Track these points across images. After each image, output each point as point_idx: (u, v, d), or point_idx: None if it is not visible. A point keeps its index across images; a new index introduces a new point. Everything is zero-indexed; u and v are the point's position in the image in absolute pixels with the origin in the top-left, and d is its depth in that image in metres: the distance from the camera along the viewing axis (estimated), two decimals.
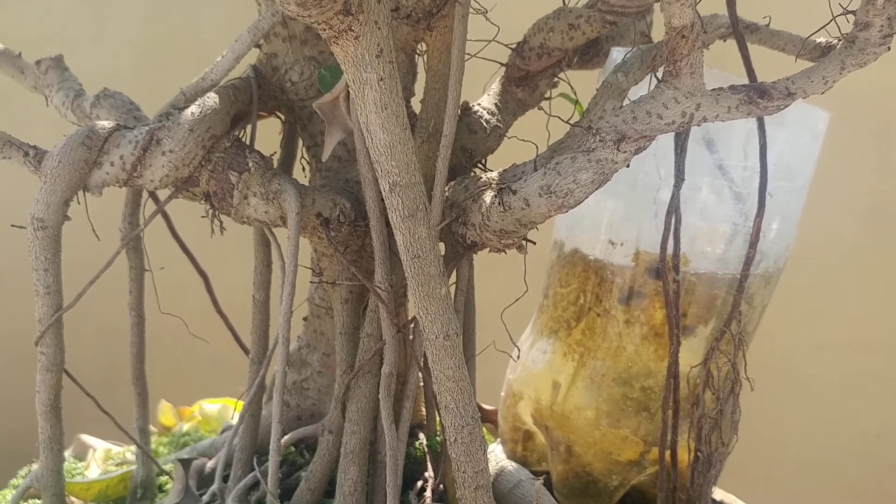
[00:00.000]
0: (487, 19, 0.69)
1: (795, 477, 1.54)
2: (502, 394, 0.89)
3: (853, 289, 1.47)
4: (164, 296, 0.79)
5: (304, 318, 0.83)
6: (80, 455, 0.98)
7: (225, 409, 0.97)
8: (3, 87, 0.91)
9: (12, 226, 0.68)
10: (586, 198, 0.60)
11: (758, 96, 0.58)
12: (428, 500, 0.71)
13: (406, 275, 0.57)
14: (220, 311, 0.85)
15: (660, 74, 0.59)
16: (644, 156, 0.75)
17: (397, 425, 0.71)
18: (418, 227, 0.55)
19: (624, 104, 0.67)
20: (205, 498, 0.75)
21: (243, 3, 0.83)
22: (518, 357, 0.84)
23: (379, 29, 0.53)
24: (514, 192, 0.62)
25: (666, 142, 0.72)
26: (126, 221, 0.75)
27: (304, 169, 0.77)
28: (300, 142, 0.79)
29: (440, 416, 0.61)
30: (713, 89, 0.58)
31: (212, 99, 0.68)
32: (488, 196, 0.65)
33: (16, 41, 0.86)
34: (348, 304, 0.74)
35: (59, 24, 1.39)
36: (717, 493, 0.92)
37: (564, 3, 0.72)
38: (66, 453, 0.99)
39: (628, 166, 0.60)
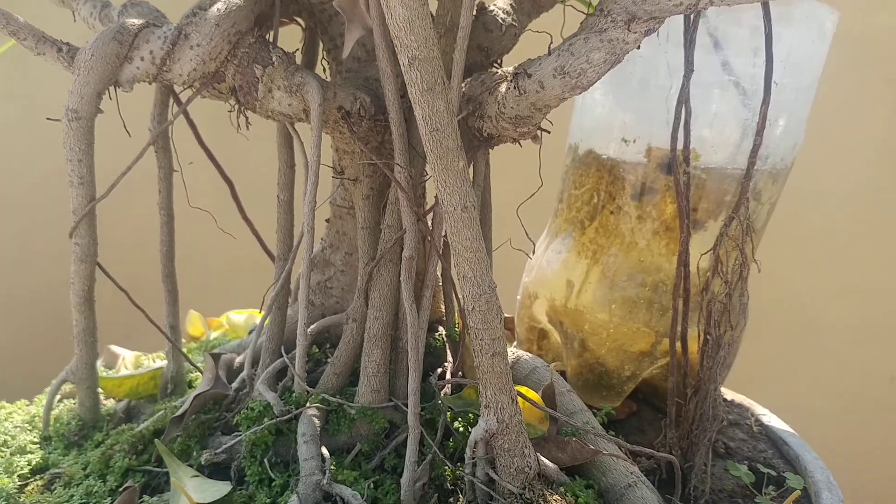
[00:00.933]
0: None
1: (810, 423, 1.56)
2: (518, 298, 0.92)
3: (865, 235, 1.48)
4: (192, 200, 0.82)
5: (327, 220, 0.85)
6: (110, 364, 1.02)
7: (251, 319, 1.01)
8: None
9: (48, 119, 0.71)
10: (598, 78, 0.62)
11: None
12: (449, 379, 0.74)
13: (425, 148, 0.59)
14: (245, 218, 0.88)
15: None
16: (655, 59, 0.78)
17: (419, 311, 0.75)
18: (437, 101, 0.58)
19: None
20: (234, 384, 0.78)
21: None
22: (532, 252, 0.86)
23: None
24: (529, 76, 0.64)
25: (675, 45, 0.74)
26: (155, 122, 0.78)
27: (324, 70, 0.80)
28: (320, 46, 0.81)
29: (459, 288, 0.64)
30: None
31: None
32: (504, 85, 0.68)
33: None
34: (369, 200, 0.77)
35: None
36: (728, 394, 0.95)
37: None
38: (98, 362, 1.04)
39: (639, 48, 0.62)
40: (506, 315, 1.03)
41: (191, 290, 0.97)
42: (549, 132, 0.71)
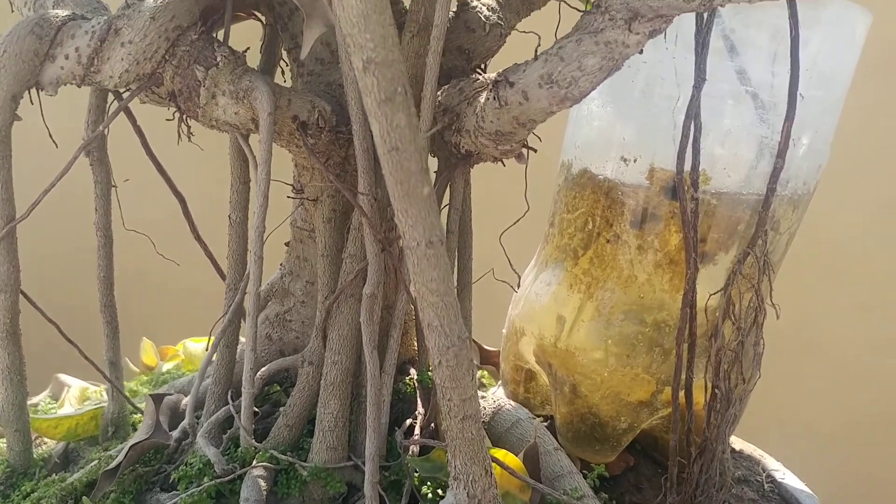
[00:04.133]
0: None
1: (821, 443, 1.47)
2: (504, 332, 0.82)
3: (880, 250, 1.39)
4: (133, 215, 0.72)
5: (287, 244, 0.76)
6: (57, 395, 0.92)
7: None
8: None
9: None
10: (592, 89, 0.53)
11: None
12: (416, 438, 0.65)
13: (383, 171, 0.49)
14: (198, 237, 0.78)
15: None
16: (661, 62, 0.68)
17: (383, 356, 0.65)
18: (397, 114, 0.48)
19: None
20: (175, 434, 0.68)
21: None
22: (518, 286, 0.77)
23: None
24: (511, 85, 0.54)
25: (684, 48, 0.64)
26: (89, 129, 0.68)
27: (283, 73, 0.70)
28: (281, 45, 0.71)
29: (423, 338, 0.54)
30: None
31: None
32: (483, 95, 0.58)
33: None
34: (331, 224, 0.67)
35: None
36: (737, 443, 0.85)
37: None
38: (43, 394, 0.94)
39: (641, 52, 0.53)
40: (490, 349, 0.94)
41: (145, 313, 0.88)
42: (535, 150, 0.61)
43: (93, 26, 0.59)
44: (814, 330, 1.44)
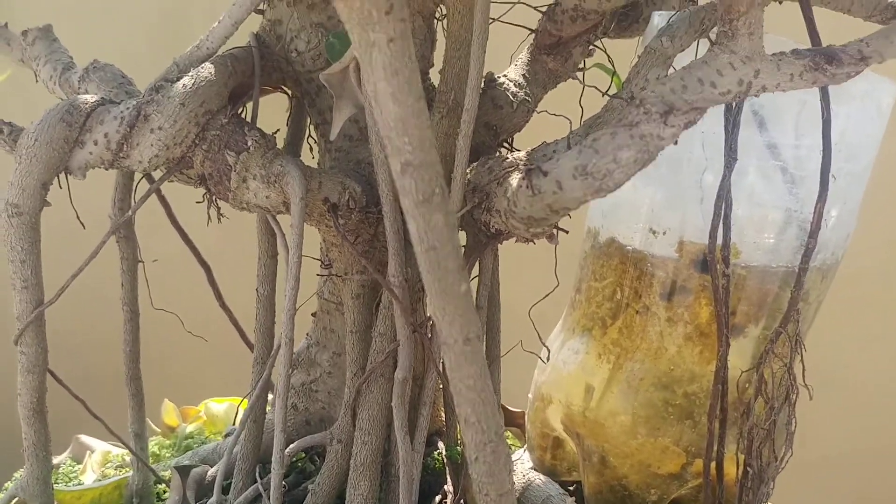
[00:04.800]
0: None
1: (835, 474, 1.45)
2: (530, 396, 0.82)
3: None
4: (161, 287, 0.72)
5: (313, 314, 0.76)
6: (79, 457, 0.92)
7: (232, 409, 0.91)
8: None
9: None
10: (627, 180, 0.53)
11: (825, 62, 0.51)
12: None
13: (420, 269, 0.49)
14: (223, 305, 0.79)
15: (713, 37, 0.52)
16: (689, 133, 0.68)
17: (413, 434, 0.65)
18: (434, 214, 0.48)
19: (669, 73, 0.59)
20: None
21: None
22: (547, 358, 0.76)
23: None
24: (545, 174, 0.54)
25: (712, 116, 0.64)
26: (116, 208, 0.68)
27: (311, 150, 0.70)
28: (308, 120, 0.71)
29: (460, 430, 0.54)
30: (774, 54, 0.51)
31: (207, 70, 0.61)
32: (515, 178, 0.58)
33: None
34: (360, 300, 0.67)
35: None
36: None
37: None
38: (64, 455, 0.93)
39: (675, 143, 0.52)
40: (515, 410, 0.93)
41: (167, 374, 0.88)
42: (567, 231, 0.61)
43: (121, 111, 0.59)
44: (829, 361, 1.43)
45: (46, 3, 1.32)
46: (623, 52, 0.71)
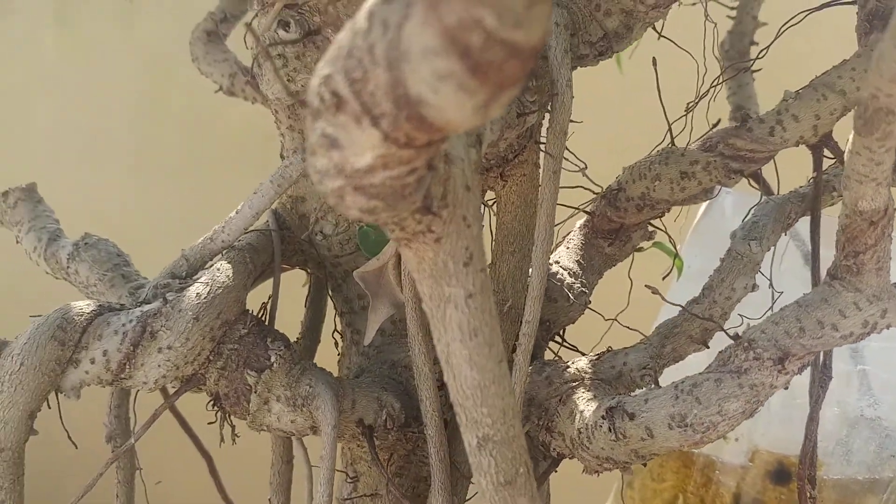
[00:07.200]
0: (578, 167, 0.54)
1: None
2: None
3: None
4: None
5: None
6: None
7: None
8: None
9: None
10: (730, 430, 0.45)
11: None
12: None
13: None
14: (225, 498, 0.69)
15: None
16: None
17: None
18: (519, 498, 0.40)
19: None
20: None
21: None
22: None
23: (469, 227, 0.38)
24: (632, 417, 0.46)
25: None
26: (112, 415, 0.59)
27: (336, 344, 0.62)
28: (328, 301, 0.63)
29: None
30: None
31: (224, 272, 0.52)
32: (586, 406, 0.50)
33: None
34: None
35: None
36: None
37: (673, 142, 0.57)
38: None
39: (786, 388, 0.45)
40: None
41: None
42: (644, 464, 0.53)
43: (123, 325, 0.50)
44: None
45: (25, 79, 1.26)
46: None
